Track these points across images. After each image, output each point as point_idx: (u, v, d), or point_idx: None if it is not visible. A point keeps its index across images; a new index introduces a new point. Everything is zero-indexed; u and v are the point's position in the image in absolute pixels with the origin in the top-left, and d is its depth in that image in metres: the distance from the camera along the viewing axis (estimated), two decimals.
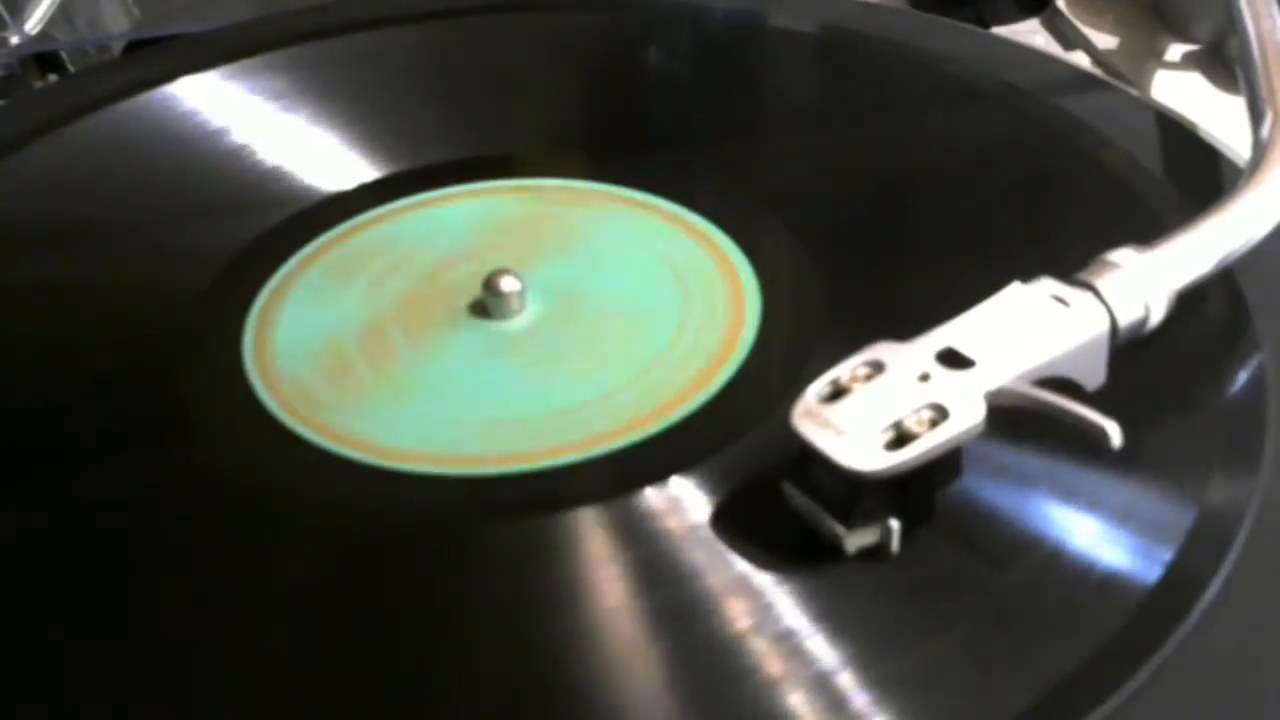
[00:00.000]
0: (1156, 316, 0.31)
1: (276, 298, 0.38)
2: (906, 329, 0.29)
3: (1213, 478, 0.29)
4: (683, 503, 0.29)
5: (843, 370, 0.28)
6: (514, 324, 0.36)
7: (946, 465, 0.27)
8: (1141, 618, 0.26)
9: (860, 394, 0.27)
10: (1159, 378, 0.32)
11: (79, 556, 0.30)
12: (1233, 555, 0.27)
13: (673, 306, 0.37)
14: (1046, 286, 0.30)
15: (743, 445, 0.31)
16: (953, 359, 0.28)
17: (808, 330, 0.35)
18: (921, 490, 0.27)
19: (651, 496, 0.30)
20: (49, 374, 0.36)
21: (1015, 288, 0.30)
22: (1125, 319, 0.30)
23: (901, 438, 0.26)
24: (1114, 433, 0.26)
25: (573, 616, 0.27)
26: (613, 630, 0.27)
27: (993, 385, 0.27)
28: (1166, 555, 0.27)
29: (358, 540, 0.30)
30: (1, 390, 0.36)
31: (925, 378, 0.27)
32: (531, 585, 0.28)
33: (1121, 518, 0.29)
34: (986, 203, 0.40)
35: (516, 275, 0.36)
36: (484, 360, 0.35)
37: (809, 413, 0.27)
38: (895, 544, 0.27)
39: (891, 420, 0.26)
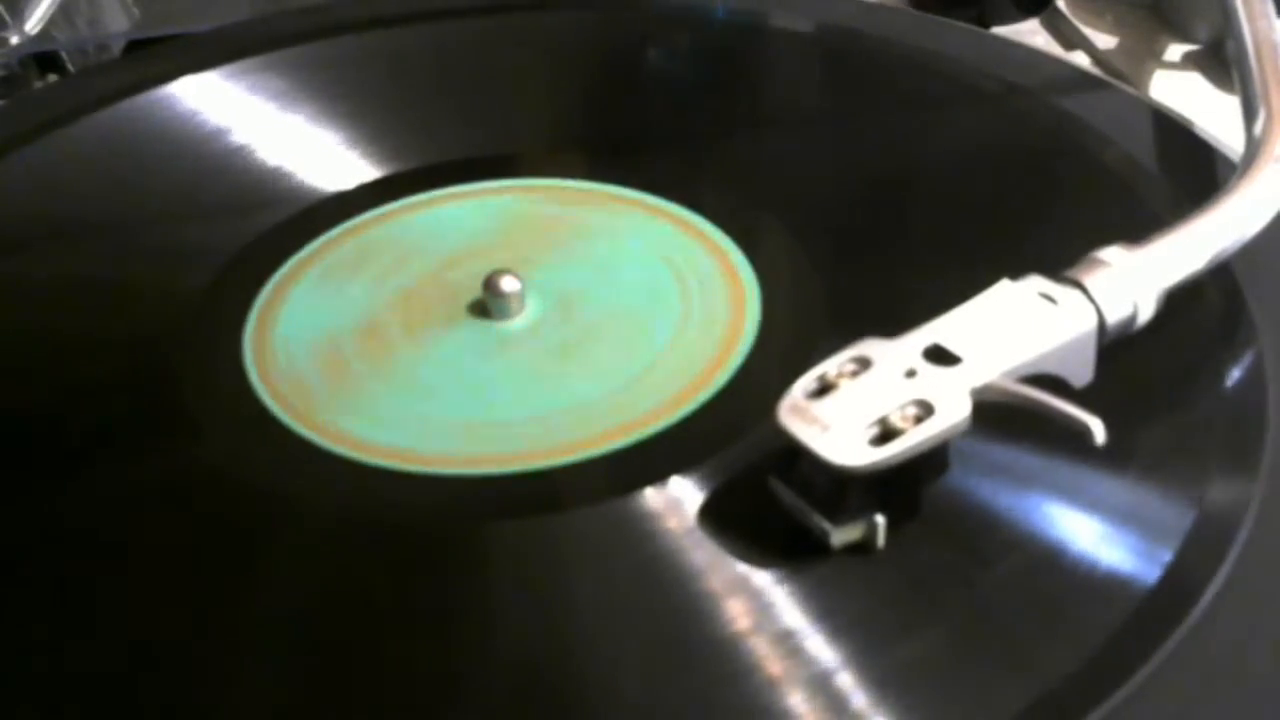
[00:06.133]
0: (1145, 315, 0.31)
1: (277, 297, 0.38)
2: (907, 329, 0.29)
3: (1212, 477, 0.29)
4: (683, 503, 0.29)
5: (829, 366, 0.28)
6: (514, 324, 0.36)
7: (932, 461, 0.27)
8: (1141, 618, 0.26)
9: (846, 390, 0.27)
10: (1158, 376, 0.32)
11: (80, 555, 0.30)
12: (1232, 555, 0.27)
13: (673, 306, 0.37)
14: (1035, 284, 0.30)
15: (743, 446, 0.31)
16: (939, 355, 0.28)
17: (808, 330, 0.35)
18: (907, 486, 0.27)
19: (651, 497, 0.30)
20: (49, 373, 0.36)
21: (1004, 285, 0.30)
22: (1113, 317, 0.30)
23: (887, 434, 0.26)
24: (1098, 430, 0.26)
25: (573, 616, 0.28)
26: (612, 630, 0.27)
27: (979, 382, 0.27)
28: (1166, 556, 0.27)
29: (356, 540, 0.30)
30: (2, 389, 0.36)
31: (912, 374, 0.27)
32: (531, 585, 0.28)
33: (1121, 518, 0.29)
34: (986, 202, 0.40)
35: (516, 275, 0.36)
36: (484, 360, 0.35)
37: (795, 408, 0.27)
38: (880, 539, 0.27)
39: (877, 416, 0.26)
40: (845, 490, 0.27)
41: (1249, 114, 0.37)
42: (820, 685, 0.25)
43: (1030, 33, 0.61)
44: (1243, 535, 0.28)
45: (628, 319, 0.36)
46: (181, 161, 0.44)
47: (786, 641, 0.26)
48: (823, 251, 0.38)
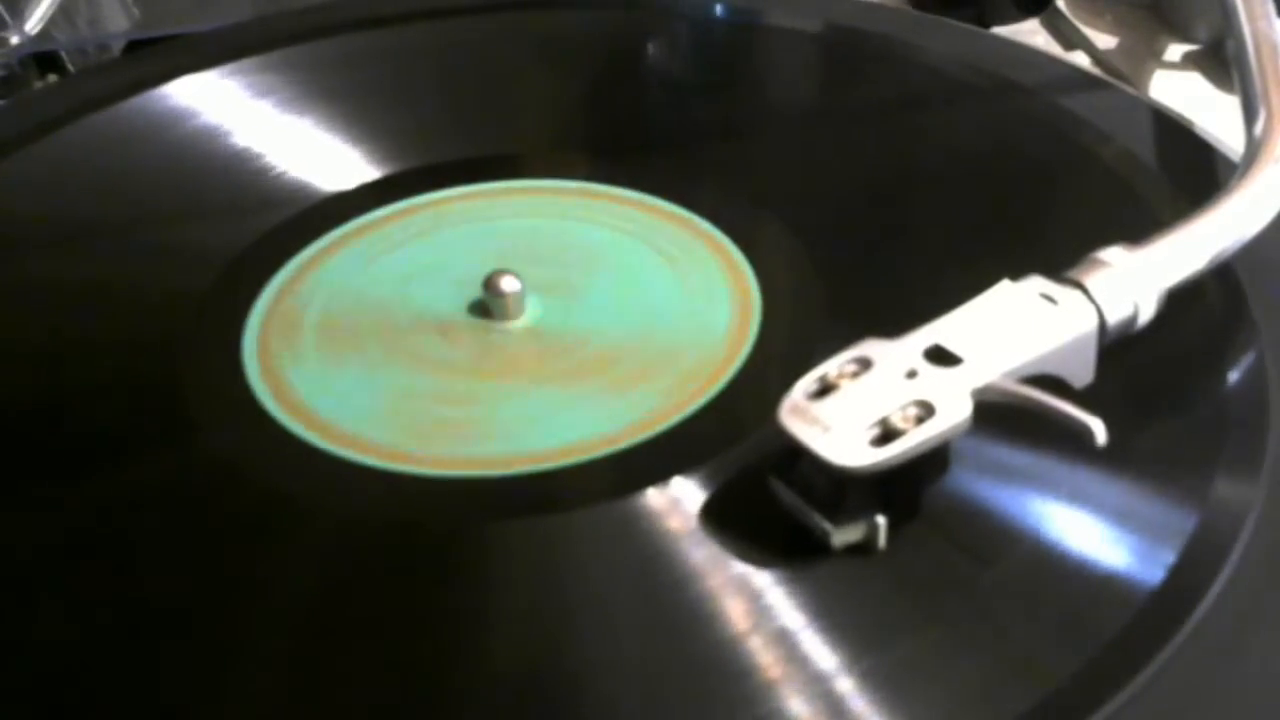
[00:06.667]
0: (1145, 315, 0.31)
1: (277, 298, 0.38)
2: (907, 329, 0.29)
3: (1215, 478, 0.29)
4: (684, 504, 0.29)
5: (830, 367, 0.28)
6: (514, 324, 0.36)
7: (933, 462, 0.27)
8: (1143, 619, 0.26)
9: (847, 391, 0.27)
10: (1160, 377, 0.32)
11: (80, 556, 0.30)
12: (1235, 557, 0.27)
13: (674, 306, 0.37)
14: (1035, 284, 0.30)
15: (744, 446, 0.31)
16: (940, 356, 0.28)
17: (808, 331, 0.35)
18: (907, 487, 0.27)
19: (653, 497, 0.30)
20: (50, 374, 0.36)
21: (1004, 286, 0.30)
22: (1114, 317, 0.30)
23: (887, 434, 0.26)
24: (1098, 430, 0.26)
25: (574, 617, 0.27)
26: (613, 630, 0.27)
27: (979, 383, 0.27)
28: (1169, 557, 0.27)
29: (359, 541, 0.30)
30: (1, 390, 0.36)
31: (912, 375, 0.27)
32: (533, 586, 0.28)
33: (1123, 519, 0.29)
34: (986, 202, 0.40)
35: (517, 275, 0.36)
36: (484, 361, 0.35)
37: (796, 409, 0.27)
38: (881, 540, 0.27)
39: (878, 417, 0.26)
40: (846, 491, 0.27)
41: (1249, 114, 0.37)
42: (821, 685, 0.25)
43: (1030, 33, 0.61)
44: (1245, 536, 0.28)
45: (628, 319, 0.36)
46: (181, 161, 0.44)
47: (787, 641, 0.26)
48: (824, 251, 0.38)
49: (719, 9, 0.53)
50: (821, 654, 0.26)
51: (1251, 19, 0.40)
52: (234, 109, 0.46)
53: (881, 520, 0.27)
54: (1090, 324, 0.29)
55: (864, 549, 0.27)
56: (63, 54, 0.59)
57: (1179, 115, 0.43)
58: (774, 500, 0.28)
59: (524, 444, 0.32)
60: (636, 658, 0.27)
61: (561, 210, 0.41)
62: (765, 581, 0.27)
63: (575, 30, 0.52)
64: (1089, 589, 0.27)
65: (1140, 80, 0.58)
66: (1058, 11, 0.62)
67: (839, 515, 0.27)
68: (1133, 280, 0.30)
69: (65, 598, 0.29)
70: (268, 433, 0.33)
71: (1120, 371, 0.30)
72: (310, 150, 0.45)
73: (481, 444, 0.32)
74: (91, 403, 0.35)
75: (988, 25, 0.61)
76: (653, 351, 0.35)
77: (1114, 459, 0.27)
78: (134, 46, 0.60)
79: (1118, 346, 0.30)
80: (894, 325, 0.29)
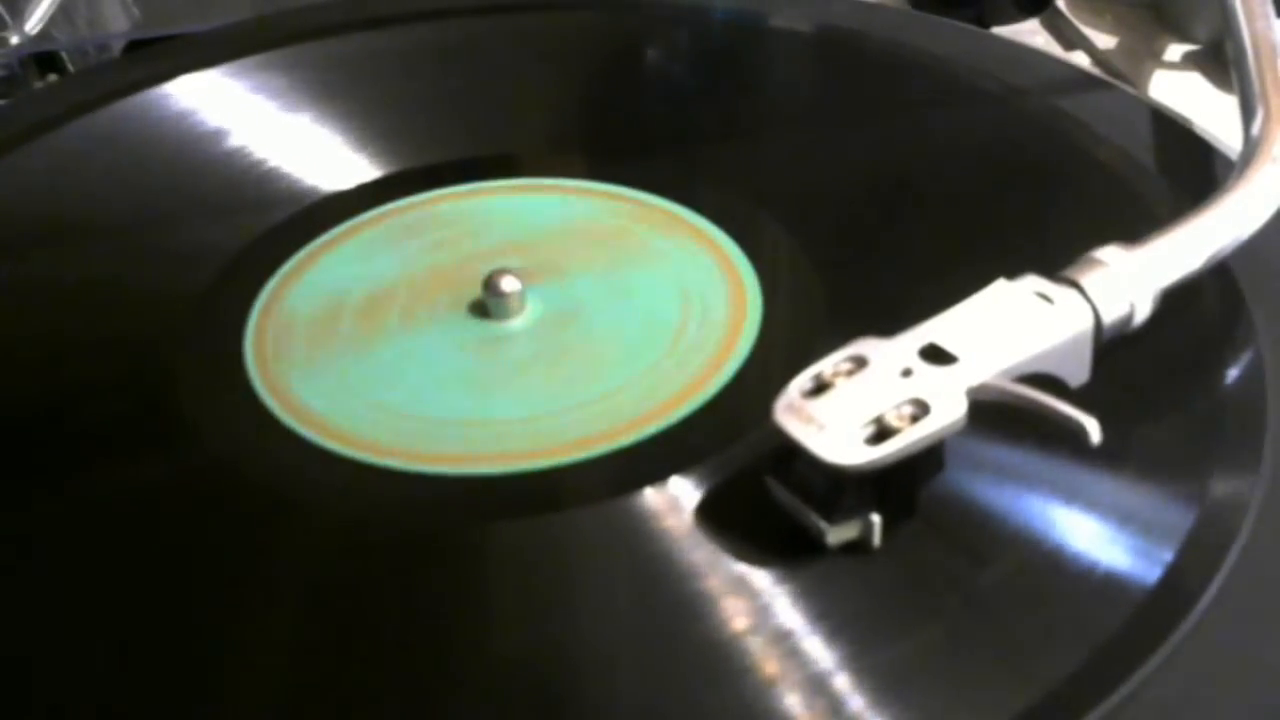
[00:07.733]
0: (1142, 314, 0.31)
1: (277, 298, 0.38)
2: (906, 328, 0.29)
3: (1213, 476, 0.29)
4: (681, 503, 0.29)
5: (825, 365, 0.28)
6: (514, 324, 0.36)
7: (928, 460, 0.27)
8: (1141, 618, 0.26)
9: (842, 389, 0.27)
10: (1158, 375, 0.32)
11: (79, 556, 0.30)
12: (1233, 555, 0.27)
13: (673, 306, 0.37)
14: (1031, 284, 0.30)
15: (742, 446, 0.31)
16: (936, 355, 0.28)
17: (808, 330, 0.35)
18: (903, 485, 0.27)
19: (650, 497, 0.30)
20: (49, 373, 0.36)
21: (1000, 285, 0.30)
22: (1109, 317, 0.30)
23: (883, 433, 0.26)
24: (1093, 429, 0.26)
25: (571, 616, 0.28)
26: (611, 630, 0.27)
27: (974, 381, 0.27)
28: (1166, 555, 0.27)
29: (357, 540, 0.30)
30: (1, 390, 0.36)
31: (908, 373, 0.27)
32: (530, 585, 0.28)
33: (1121, 517, 0.29)
34: (986, 202, 0.40)
35: (516, 275, 0.36)
36: (484, 360, 0.35)
37: (791, 407, 0.27)
38: (876, 538, 0.27)
39: (873, 415, 0.26)
40: (841, 489, 0.27)
41: (1247, 113, 0.37)
42: (818, 685, 0.25)
43: (1030, 33, 0.61)
44: (1244, 534, 0.28)
45: (628, 318, 0.36)
46: (181, 161, 0.44)
47: (784, 641, 0.26)
48: (823, 251, 0.38)
49: (718, 9, 0.53)
50: (819, 653, 0.26)
51: (1250, 19, 0.40)
52: (234, 109, 0.46)
53: (876, 519, 0.27)
54: (1086, 323, 0.29)
55: (859, 547, 0.27)
56: (63, 54, 0.59)
57: (1179, 115, 0.43)
58: (769, 498, 0.28)
59: (522, 443, 0.32)
60: (634, 656, 0.27)
61: (562, 210, 0.41)
62: (763, 580, 0.27)
63: (574, 30, 0.52)
64: (1087, 587, 0.27)
65: (1140, 80, 0.58)
66: (1058, 11, 0.62)
67: (834, 513, 0.27)
68: (1129, 280, 0.30)
69: (65, 598, 0.29)
70: (267, 431, 0.33)
71: (1119, 369, 0.30)
72: (310, 150, 0.45)
73: (480, 443, 0.32)
74: (91, 403, 0.35)
75: (988, 25, 0.61)
76: (652, 350, 0.35)
77: (1112, 457, 0.27)
78: (134, 46, 0.60)
79: (1116, 345, 0.30)
80: (893, 324, 0.29)
